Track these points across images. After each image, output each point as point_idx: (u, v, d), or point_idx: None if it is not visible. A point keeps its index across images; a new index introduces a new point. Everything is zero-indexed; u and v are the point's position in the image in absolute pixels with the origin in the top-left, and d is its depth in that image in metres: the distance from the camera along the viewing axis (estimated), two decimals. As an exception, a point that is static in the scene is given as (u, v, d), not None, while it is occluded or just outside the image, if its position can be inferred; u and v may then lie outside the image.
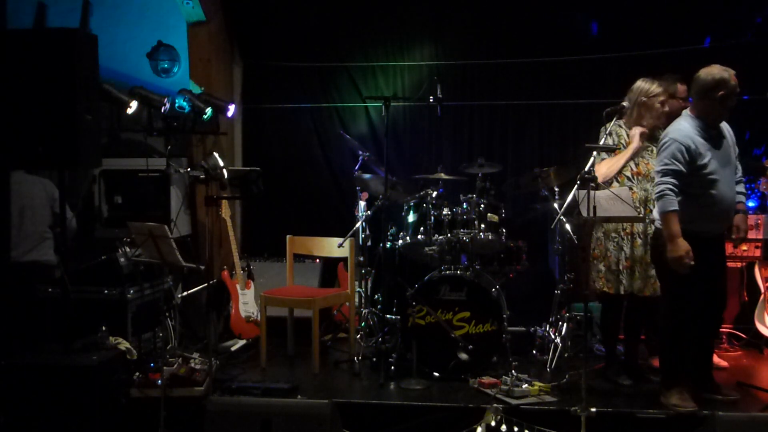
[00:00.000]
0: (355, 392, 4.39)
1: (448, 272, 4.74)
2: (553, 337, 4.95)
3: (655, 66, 5.66)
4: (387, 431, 4.00)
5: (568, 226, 4.83)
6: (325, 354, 5.17)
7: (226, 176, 5.37)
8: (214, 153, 5.45)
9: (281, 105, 6.44)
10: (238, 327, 5.31)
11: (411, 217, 5.04)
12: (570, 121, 6.12)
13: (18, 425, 3.85)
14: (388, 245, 5.10)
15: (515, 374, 4.24)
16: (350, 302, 5.09)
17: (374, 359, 4.84)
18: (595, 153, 4.13)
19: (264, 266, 5.93)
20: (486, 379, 4.32)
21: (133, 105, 5.49)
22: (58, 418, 3.82)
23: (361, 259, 5.41)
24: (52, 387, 3.84)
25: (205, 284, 5.33)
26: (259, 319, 5.25)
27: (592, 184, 3.94)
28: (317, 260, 5.89)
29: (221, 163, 5.35)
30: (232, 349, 5.23)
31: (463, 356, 4.50)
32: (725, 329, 5.32)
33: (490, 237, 4.89)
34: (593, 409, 3.71)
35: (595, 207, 3.90)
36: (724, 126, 4.07)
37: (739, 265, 5.35)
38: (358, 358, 4.85)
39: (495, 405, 3.93)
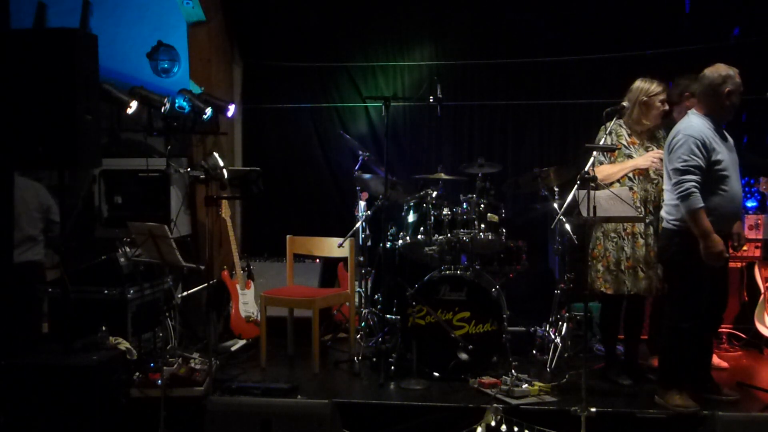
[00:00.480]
0: (355, 392, 4.39)
1: (448, 272, 4.74)
2: (553, 337, 4.95)
3: (655, 66, 5.68)
4: (387, 431, 4.00)
5: (568, 226, 4.83)
6: (325, 354, 5.17)
7: (226, 176, 5.37)
8: (214, 153, 5.45)
9: (281, 105, 6.44)
10: (238, 327, 5.31)
11: (411, 217, 5.04)
12: (570, 121, 6.12)
13: (18, 425, 3.85)
14: (388, 245, 5.09)
15: (515, 374, 4.25)
16: (350, 302, 5.09)
17: (374, 359, 4.84)
18: (595, 153, 4.13)
19: (264, 266, 5.93)
20: (486, 379, 4.32)
21: (133, 105, 5.49)
22: (58, 418, 3.82)
23: (361, 259, 5.42)
24: (52, 387, 3.84)
25: (205, 284, 5.33)
26: (259, 319, 5.25)
27: (592, 184, 3.94)
28: (317, 260, 5.89)
29: (221, 163, 5.35)
30: (232, 349, 5.23)
31: (463, 356, 4.50)
32: (725, 329, 5.33)
33: (490, 237, 4.88)
34: (593, 409, 3.72)
35: (595, 207, 3.90)
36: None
37: (739, 265, 5.36)
38: (358, 358, 4.86)
39: (495, 405, 3.93)
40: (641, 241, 4.33)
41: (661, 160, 4.26)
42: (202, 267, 4.78)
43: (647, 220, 4.33)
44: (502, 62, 6.16)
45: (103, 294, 4.69)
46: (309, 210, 6.39)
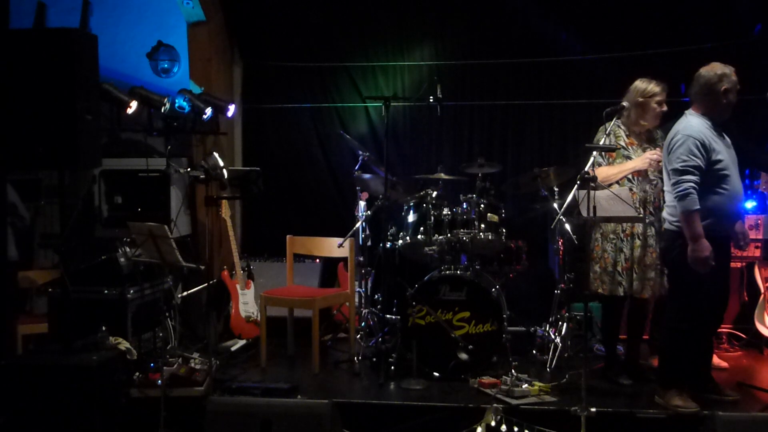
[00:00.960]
0: (355, 392, 4.39)
1: (448, 272, 4.74)
2: (553, 337, 4.95)
3: (655, 66, 5.68)
4: (387, 431, 4.00)
5: (568, 226, 4.83)
6: (325, 354, 5.17)
7: (226, 176, 5.38)
8: (214, 153, 5.45)
9: (281, 105, 6.43)
10: (238, 327, 5.31)
11: (411, 217, 5.04)
12: (570, 121, 6.12)
13: (18, 425, 3.85)
14: (388, 245, 5.09)
15: (515, 374, 4.24)
16: (350, 302, 5.09)
17: (374, 359, 4.85)
18: (594, 153, 4.13)
19: (264, 266, 5.92)
20: (486, 379, 4.32)
21: (133, 105, 5.50)
22: (58, 418, 3.82)
23: (361, 259, 5.41)
24: (52, 387, 3.84)
25: (205, 284, 5.34)
26: (259, 319, 5.25)
27: (592, 184, 3.93)
28: (317, 260, 5.88)
29: (221, 163, 5.36)
30: (232, 349, 5.23)
31: (463, 356, 4.50)
32: (725, 329, 5.32)
33: (490, 237, 4.88)
34: (593, 409, 3.71)
35: (595, 207, 3.90)
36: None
37: (739, 265, 5.35)
38: (358, 358, 4.86)
39: (495, 405, 3.93)
40: (639, 242, 4.33)
41: (658, 160, 4.27)
42: (202, 267, 4.78)
43: (647, 221, 4.33)
44: (501, 62, 6.16)
45: (103, 294, 4.69)
46: (309, 210, 6.39)
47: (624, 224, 4.35)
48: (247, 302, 5.41)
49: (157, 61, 6.04)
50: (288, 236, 5.24)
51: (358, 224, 5.34)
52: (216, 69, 6.15)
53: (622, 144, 4.43)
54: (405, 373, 4.53)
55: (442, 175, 5.18)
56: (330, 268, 5.91)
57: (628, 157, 4.40)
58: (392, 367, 4.62)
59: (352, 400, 4.17)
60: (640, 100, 4.36)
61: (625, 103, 4.37)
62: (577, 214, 4.12)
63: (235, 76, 6.55)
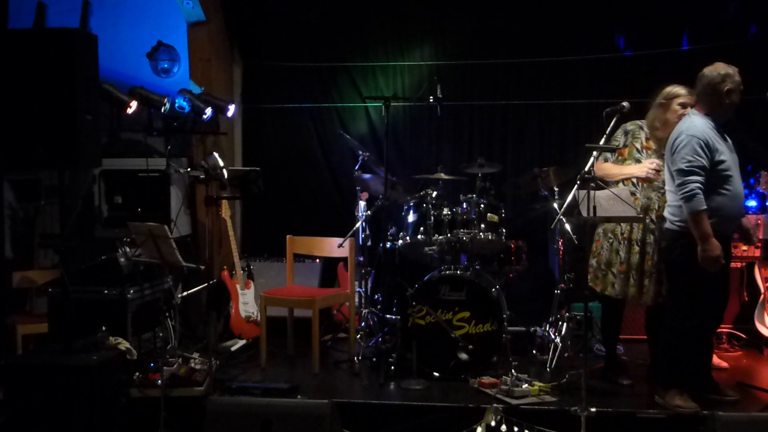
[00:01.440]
0: (355, 392, 4.39)
1: (448, 272, 4.74)
2: (553, 337, 4.95)
3: (655, 66, 5.68)
4: (387, 431, 4.00)
5: (568, 226, 4.83)
6: (325, 354, 5.17)
7: (226, 176, 5.38)
8: (214, 153, 5.45)
9: (281, 105, 6.44)
10: (238, 327, 5.31)
11: (411, 217, 5.04)
12: (570, 121, 6.12)
13: (18, 425, 3.85)
14: (388, 245, 5.10)
15: (515, 374, 4.24)
16: (350, 302, 5.08)
17: (374, 359, 4.85)
18: (594, 153, 4.13)
19: (264, 266, 5.93)
20: (486, 379, 4.32)
21: (133, 105, 5.50)
22: (58, 418, 3.82)
23: (361, 259, 5.41)
24: (52, 387, 3.84)
25: (205, 284, 5.34)
26: (259, 319, 5.25)
27: (592, 184, 3.93)
28: (317, 260, 5.89)
29: (221, 163, 5.35)
30: (232, 349, 5.23)
31: (463, 356, 4.50)
32: (725, 329, 5.32)
33: (490, 237, 4.88)
34: (593, 409, 3.71)
35: (595, 207, 3.90)
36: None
37: (739, 265, 5.35)
38: (358, 358, 4.86)
39: (495, 405, 3.93)
40: (636, 248, 4.31)
41: (658, 171, 4.25)
42: (202, 267, 4.78)
43: (647, 222, 4.31)
44: (502, 62, 6.16)
45: (103, 294, 4.69)
46: (309, 210, 6.40)
47: (622, 227, 4.34)
48: (247, 302, 5.41)
49: (157, 61, 6.04)
50: (288, 236, 5.24)
51: (358, 224, 5.34)
52: (216, 69, 6.15)
53: (638, 146, 4.38)
54: (405, 373, 4.53)
55: (442, 175, 5.18)
56: (330, 268, 5.91)
57: (638, 161, 4.36)
58: (392, 367, 4.62)
59: (352, 400, 4.17)
60: (662, 101, 4.31)
61: (625, 103, 4.35)
62: (577, 214, 4.12)
63: (235, 76, 6.55)
